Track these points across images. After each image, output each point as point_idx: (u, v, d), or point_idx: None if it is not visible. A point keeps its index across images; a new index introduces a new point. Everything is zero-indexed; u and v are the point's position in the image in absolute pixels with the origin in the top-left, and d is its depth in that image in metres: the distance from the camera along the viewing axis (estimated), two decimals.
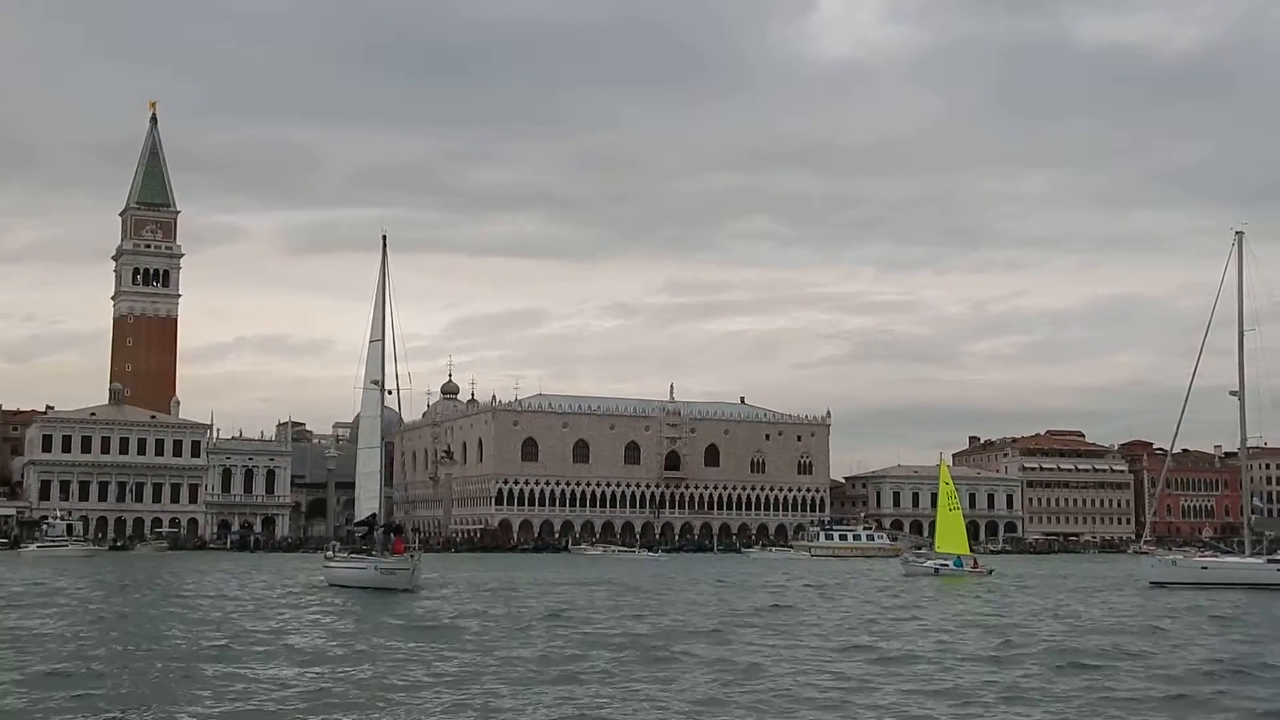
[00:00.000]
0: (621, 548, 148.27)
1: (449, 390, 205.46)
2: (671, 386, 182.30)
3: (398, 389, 63.68)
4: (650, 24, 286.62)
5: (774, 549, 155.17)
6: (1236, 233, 73.89)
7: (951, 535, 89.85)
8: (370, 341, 63.88)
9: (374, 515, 62.69)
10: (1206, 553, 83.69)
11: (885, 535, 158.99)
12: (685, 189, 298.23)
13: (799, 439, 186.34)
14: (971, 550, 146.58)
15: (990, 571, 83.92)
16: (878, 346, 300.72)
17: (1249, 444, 76.08)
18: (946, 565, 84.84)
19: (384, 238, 64.35)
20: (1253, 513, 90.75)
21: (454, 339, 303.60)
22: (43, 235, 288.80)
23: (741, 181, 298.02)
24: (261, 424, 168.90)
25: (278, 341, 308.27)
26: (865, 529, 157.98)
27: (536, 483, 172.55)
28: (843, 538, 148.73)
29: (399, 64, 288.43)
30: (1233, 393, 74.19)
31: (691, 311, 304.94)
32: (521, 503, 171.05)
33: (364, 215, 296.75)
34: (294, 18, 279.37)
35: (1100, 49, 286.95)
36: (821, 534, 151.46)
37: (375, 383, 62.94)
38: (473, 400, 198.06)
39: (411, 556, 60.09)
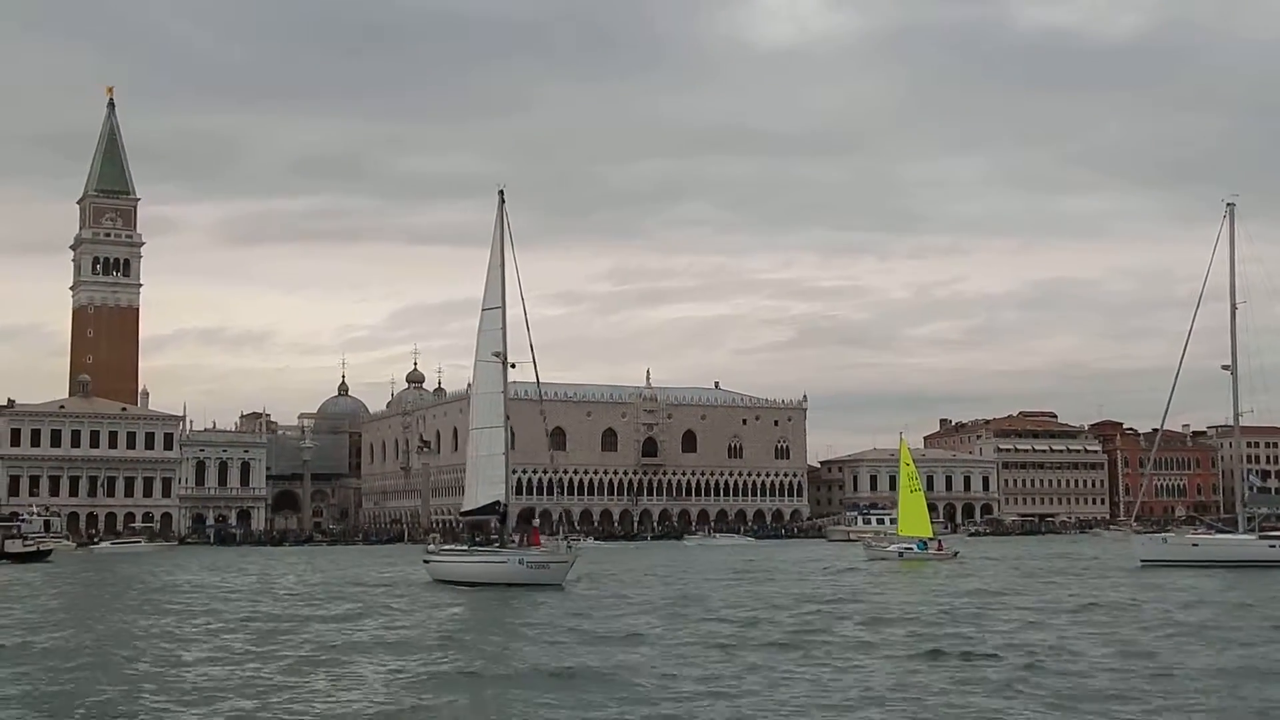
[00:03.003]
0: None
1: (414, 379, 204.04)
2: (648, 372, 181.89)
3: (534, 360, 58.12)
4: (589, 9, 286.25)
5: (719, 535, 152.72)
6: (1228, 204, 73.10)
7: (914, 518, 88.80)
8: (484, 310, 58.84)
9: (499, 503, 57.33)
10: (1200, 530, 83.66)
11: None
12: (626, 175, 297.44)
13: (776, 423, 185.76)
14: (945, 533, 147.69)
15: (956, 554, 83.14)
16: (820, 333, 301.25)
17: (1241, 421, 76.37)
18: (910, 549, 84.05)
19: (500, 193, 59.27)
20: (1249, 489, 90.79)
21: (396, 329, 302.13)
22: None
23: (682, 167, 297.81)
24: (205, 416, 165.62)
25: (215, 334, 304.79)
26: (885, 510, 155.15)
27: (513, 471, 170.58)
28: (879, 521, 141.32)
29: (332, 51, 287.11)
30: (1225, 367, 74.00)
31: (635, 299, 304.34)
32: None
33: (299, 205, 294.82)
34: (223, 3, 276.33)
35: (1038, 33, 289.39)
36: (859, 518, 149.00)
37: (496, 355, 57.66)
38: (439, 389, 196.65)
39: (568, 548, 55.52)
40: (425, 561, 60.00)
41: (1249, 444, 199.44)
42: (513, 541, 58.38)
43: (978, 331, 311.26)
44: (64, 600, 51.49)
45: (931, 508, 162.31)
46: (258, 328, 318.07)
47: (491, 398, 58.28)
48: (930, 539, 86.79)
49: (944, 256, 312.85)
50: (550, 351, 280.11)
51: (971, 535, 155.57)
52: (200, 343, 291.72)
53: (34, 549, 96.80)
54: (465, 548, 59.73)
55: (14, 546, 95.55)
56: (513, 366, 57.90)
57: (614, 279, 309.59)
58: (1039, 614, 39.05)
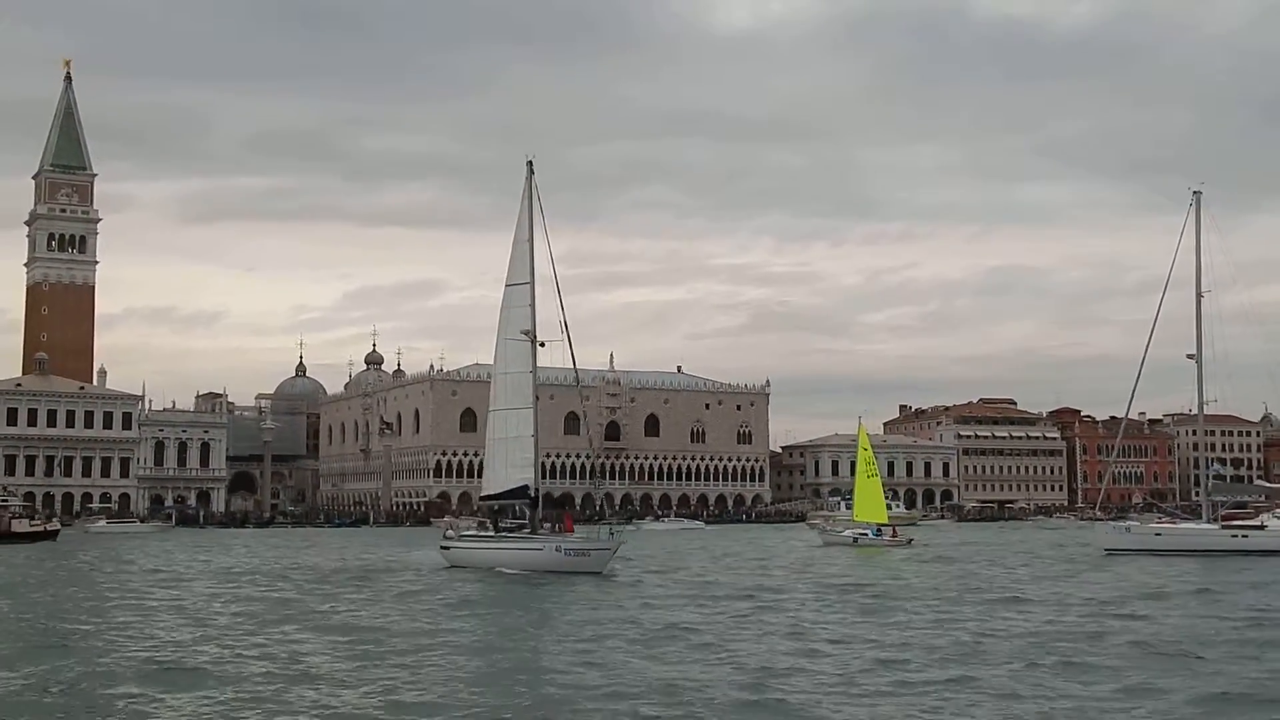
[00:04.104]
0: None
1: (373, 360, 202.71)
2: (611, 355, 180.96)
3: (569, 338, 54.42)
4: None
5: (667, 519, 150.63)
6: (1195, 193, 73.05)
7: (870, 503, 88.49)
8: (508, 286, 56.42)
9: (527, 486, 54.77)
10: (1163, 519, 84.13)
11: (900, 504, 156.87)
12: (583, 157, 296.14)
13: (738, 408, 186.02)
14: (914, 517, 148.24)
15: (910, 541, 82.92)
16: (774, 318, 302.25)
17: (1206, 410, 76.92)
18: (865, 535, 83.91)
19: (529, 164, 56.27)
20: (1214, 478, 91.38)
21: (348, 310, 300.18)
22: None
23: (639, 150, 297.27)
24: (158, 397, 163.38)
25: (166, 313, 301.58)
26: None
27: (476, 453, 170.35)
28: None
29: (293, 28, 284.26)
30: (1190, 356, 74.17)
31: (589, 282, 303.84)
32: (460, 474, 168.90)
33: (255, 183, 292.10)
34: None
35: (996, 22, 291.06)
36: (842, 504, 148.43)
37: (525, 333, 54.93)
38: (399, 370, 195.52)
39: (611, 534, 53.16)
40: (444, 547, 57.48)
41: (1208, 432, 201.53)
42: (544, 527, 56.11)
43: (932, 318, 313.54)
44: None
45: (893, 493, 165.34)
46: (209, 307, 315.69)
47: (518, 378, 55.75)
48: (885, 524, 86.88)
49: (898, 243, 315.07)
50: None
51: (934, 520, 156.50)
52: (150, 322, 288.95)
53: (41, 529, 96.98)
54: (490, 533, 56.96)
55: (21, 526, 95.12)
56: (542, 345, 55.43)
57: (569, 262, 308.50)
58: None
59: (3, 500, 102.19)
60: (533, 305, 55.63)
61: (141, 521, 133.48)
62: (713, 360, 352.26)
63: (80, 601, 41.29)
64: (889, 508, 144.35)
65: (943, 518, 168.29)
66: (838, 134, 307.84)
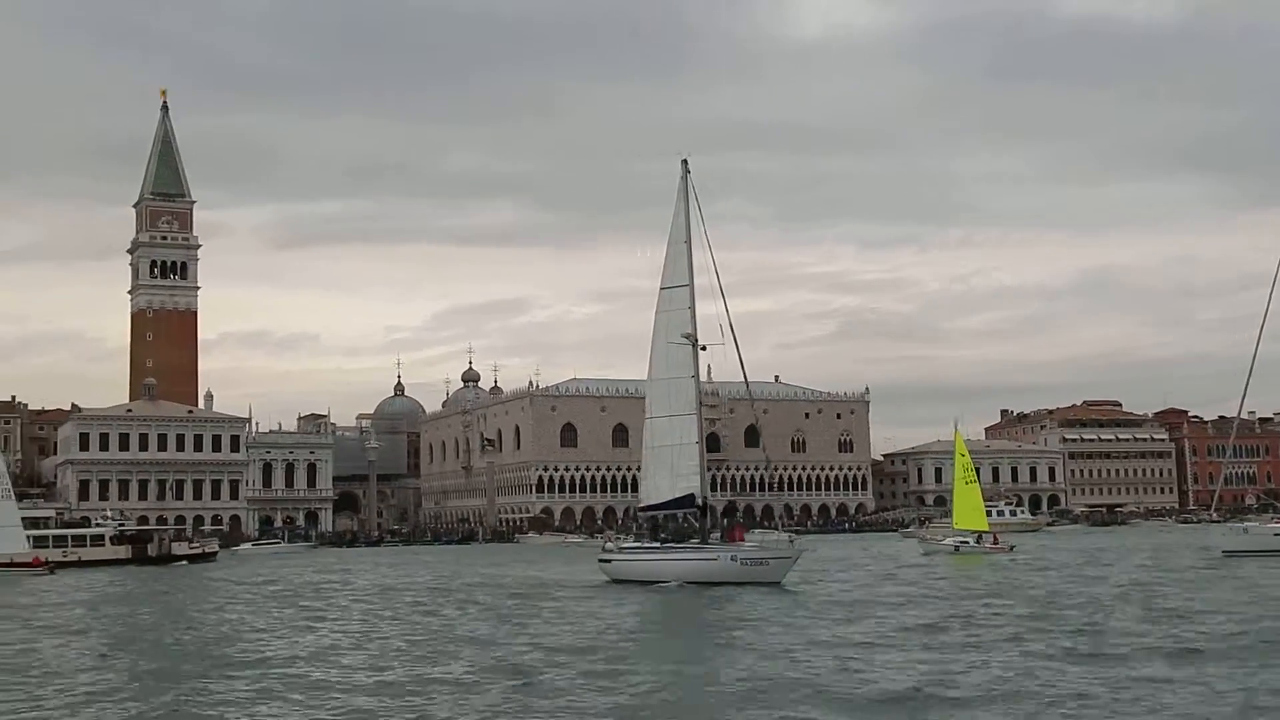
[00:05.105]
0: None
1: (470, 378, 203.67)
2: (709, 367, 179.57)
3: (733, 339, 52.84)
4: (623, 9, 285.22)
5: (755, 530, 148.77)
6: None
7: (969, 510, 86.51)
8: (663, 289, 54.68)
9: (693, 495, 53.02)
10: None
11: (1024, 509, 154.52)
12: (660, 172, 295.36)
13: (838, 416, 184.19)
14: (1034, 524, 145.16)
15: (1012, 548, 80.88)
16: (863, 325, 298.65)
17: None
18: (966, 542, 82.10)
19: (684, 162, 55.10)
20: None
21: (437, 329, 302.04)
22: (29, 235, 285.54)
23: (718, 163, 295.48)
24: (258, 419, 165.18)
25: (261, 337, 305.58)
26: (1006, 503, 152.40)
27: (576, 469, 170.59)
28: (985, 513, 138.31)
29: (372, 52, 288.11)
30: None
31: None
32: (562, 489, 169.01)
33: (341, 207, 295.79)
34: (266, 6, 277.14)
35: (1078, 21, 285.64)
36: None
37: (686, 336, 53.29)
38: (495, 388, 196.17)
39: (790, 542, 51.76)
40: (603, 560, 55.95)
41: None
42: (714, 538, 54.29)
43: (1022, 322, 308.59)
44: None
45: (1017, 499, 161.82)
46: (302, 331, 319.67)
47: (677, 384, 53.88)
48: (985, 532, 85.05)
49: (983, 248, 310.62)
50: (585, 350, 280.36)
51: (1050, 525, 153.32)
52: (246, 346, 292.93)
53: (200, 550, 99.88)
54: (654, 545, 54.86)
55: (181, 548, 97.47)
56: (703, 349, 53.69)
57: (651, 275, 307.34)
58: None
59: (98, 523, 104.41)
60: (692, 308, 53.87)
61: (286, 542, 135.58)
62: (805, 369, 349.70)
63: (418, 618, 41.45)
64: (1014, 513, 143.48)
65: (1075, 523, 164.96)
66: (912, 141, 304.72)
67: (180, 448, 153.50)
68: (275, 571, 79.30)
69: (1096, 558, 73.21)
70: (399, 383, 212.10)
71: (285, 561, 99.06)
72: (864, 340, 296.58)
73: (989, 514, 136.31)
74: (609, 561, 55.49)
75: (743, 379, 58.21)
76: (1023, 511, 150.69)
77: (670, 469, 53.78)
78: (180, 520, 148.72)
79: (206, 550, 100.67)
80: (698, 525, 54.37)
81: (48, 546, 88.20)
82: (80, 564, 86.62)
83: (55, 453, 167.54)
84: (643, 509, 57.03)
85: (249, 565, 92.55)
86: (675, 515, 55.32)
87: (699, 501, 53.18)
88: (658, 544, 54.56)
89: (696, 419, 53.79)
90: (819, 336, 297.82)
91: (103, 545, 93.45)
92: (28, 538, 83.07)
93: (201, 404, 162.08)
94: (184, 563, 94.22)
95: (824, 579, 55.66)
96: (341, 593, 56.49)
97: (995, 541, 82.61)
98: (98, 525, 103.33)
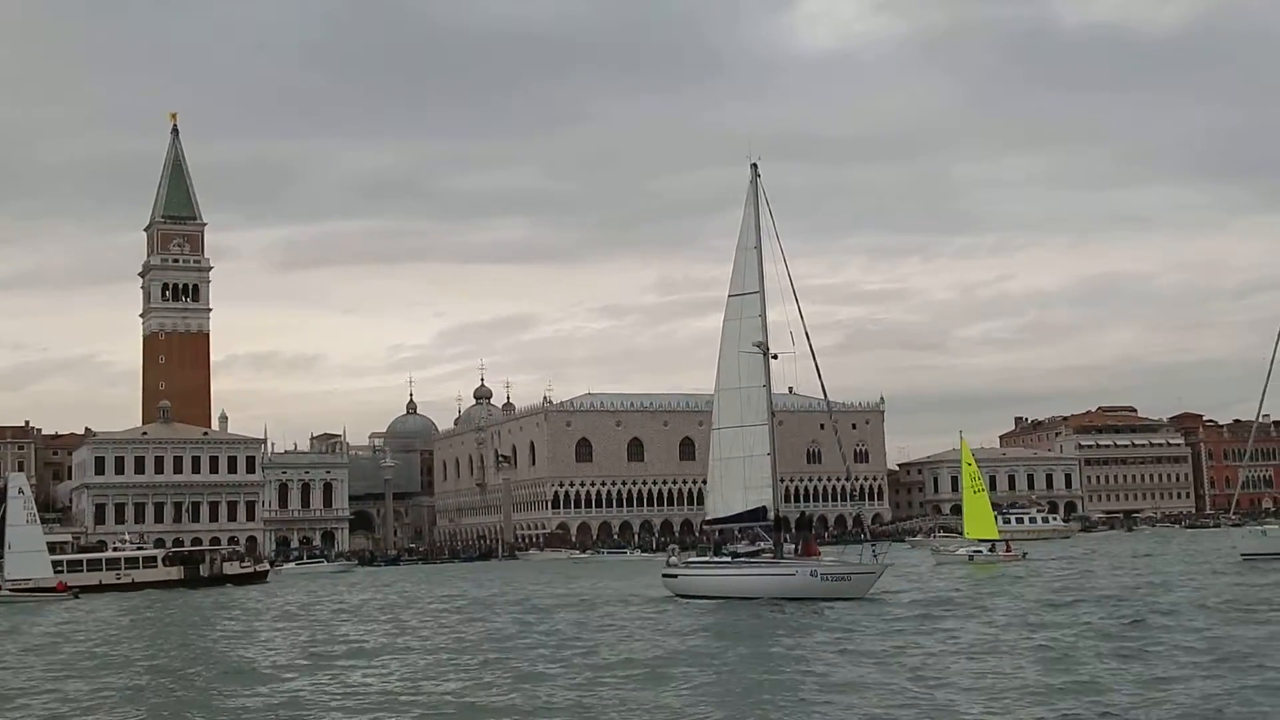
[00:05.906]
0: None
1: (482, 394, 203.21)
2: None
3: (811, 348, 51.63)
4: (629, 22, 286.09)
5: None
6: None
7: (979, 519, 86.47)
8: (732, 296, 53.38)
9: (765, 508, 51.21)
10: None
11: (1057, 516, 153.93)
12: (669, 185, 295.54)
13: (854, 426, 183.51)
14: (1065, 530, 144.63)
15: (1024, 555, 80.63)
16: (868, 336, 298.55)
17: None
18: (980, 551, 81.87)
19: (753, 166, 53.61)
20: None
21: (444, 347, 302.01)
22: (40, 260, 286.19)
23: (725, 176, 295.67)
24: (270, 440, 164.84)
25: (268, 358, 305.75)
26: (1039, 510, 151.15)
27: (592, 484, 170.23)
28: (1019, 521, 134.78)
29: (385, 72, 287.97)
30: None
31: (682, 309, 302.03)
32: (579, 505, 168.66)
33: (348, 227, 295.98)
34: (271, 27, 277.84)
35: (1082, 31, 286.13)
36: (998, 518, 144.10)
37: (758, 345, 51.84)
38: (508, 404, 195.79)
39: (875, 555, 49.50)
40: (667, 575, 54.18)
41: None
42: (789, 551, 52.11)
43: (1031, 329, 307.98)
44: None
45: (1050, 505, 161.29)
46: (309, 351, 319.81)
47: (747, 393, 52.06)
48: (999, 540, 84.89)
49: (991, 256, 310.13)
50: (596, 365, 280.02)
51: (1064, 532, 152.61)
52: (254, 368, 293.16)
53: (251, 570, 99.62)
54: (725, 559, 52.84)
55: (233, 568, 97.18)
56: (774, 358, 52.05)
57: (660, 290, 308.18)
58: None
59: (116, 545, 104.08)
60: (763, 315, 52.64)
61: (328, 561, 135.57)
62: (811, 380, 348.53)
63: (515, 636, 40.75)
64: (1045, 520, 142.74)
65: (1112, 529, 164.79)
66: (924, 149, 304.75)
67: (196, 470, 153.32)
68: (327, 590, 77.40)
69: (1129, 564, 72.81)
70: (411, 401, 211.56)
71: (338, 581, 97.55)
72: (873, 351, 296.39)
73: (1020, 521, 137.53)
74: (674, 577, 53.73)
75: (820, 389, 56.54)
76: (1055, 518, 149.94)
77: (741, 481, 52.04)
78: (197, 542, 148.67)
79: (258, 570, 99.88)
80: (770, 539, 52.37)
81: (100, 570, 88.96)
82: (132, 586, 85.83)
83: (70, 477, 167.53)
84: (709, 522, 55.36)
85: (303, 585, 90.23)
86: (745, 529, 53.43)
87: (771, 515, 51.68)
88: (727, 559, 52.67)
89: (769, 429, 52.06)
90: (826, 347, 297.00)
91: (155, 566, 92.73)
92: (57, 564, 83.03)
93: (215, 426, 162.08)
94: (229, 585, 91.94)
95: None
96: (457, 614, 53.28)
97: (1008, 549, 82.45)
98: (143, 547, 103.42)
